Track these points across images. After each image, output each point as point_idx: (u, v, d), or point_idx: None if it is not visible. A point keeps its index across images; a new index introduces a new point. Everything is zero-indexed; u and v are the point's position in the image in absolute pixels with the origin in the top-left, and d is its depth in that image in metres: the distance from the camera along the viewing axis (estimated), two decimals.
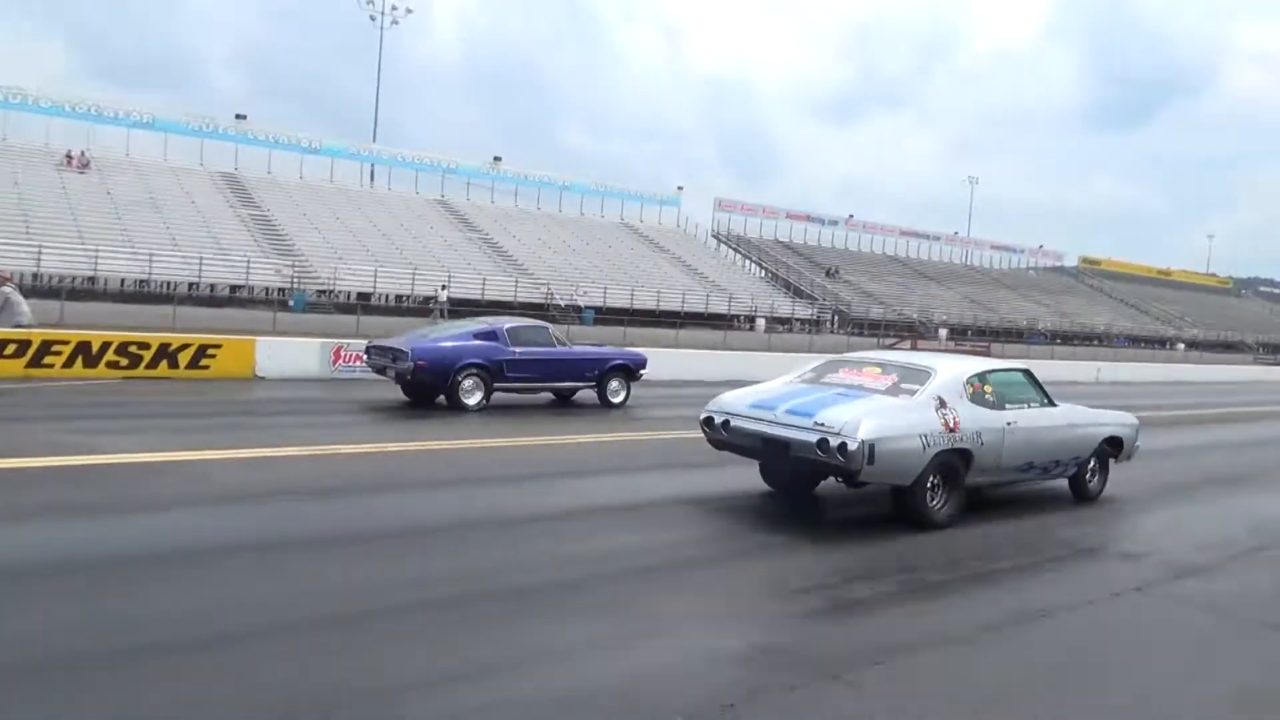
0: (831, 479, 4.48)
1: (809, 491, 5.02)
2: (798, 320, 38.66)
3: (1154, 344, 51.01)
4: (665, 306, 31.97)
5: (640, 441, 7.63)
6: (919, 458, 3.89)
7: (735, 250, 51.96)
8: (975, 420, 4.20)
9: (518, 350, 8.56)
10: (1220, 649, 3.89)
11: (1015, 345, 41.47)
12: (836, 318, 41.32)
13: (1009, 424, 4.47)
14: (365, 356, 9.18)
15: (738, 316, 35.41)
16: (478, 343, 8.37)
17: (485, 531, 4.52)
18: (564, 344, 9.10)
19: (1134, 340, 51.26)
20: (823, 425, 3.88)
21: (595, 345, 10.75)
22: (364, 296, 24.75)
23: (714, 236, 51.09)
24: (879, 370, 4.59)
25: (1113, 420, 5.78)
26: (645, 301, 31.63)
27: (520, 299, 28.04)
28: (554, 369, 8.86)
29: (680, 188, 53.96)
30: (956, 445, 4.01)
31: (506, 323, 8.87)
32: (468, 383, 8.19)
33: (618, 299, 30.77)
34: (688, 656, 3.13)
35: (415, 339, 8.61)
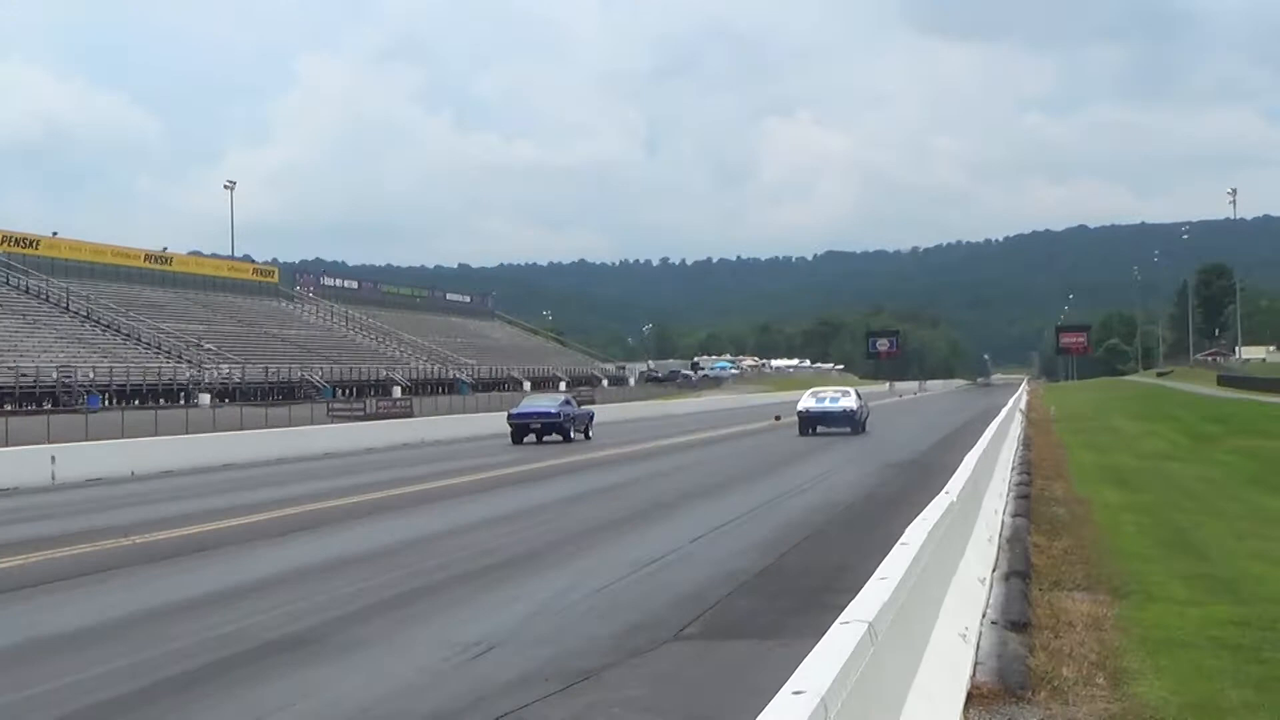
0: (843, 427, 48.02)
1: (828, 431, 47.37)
2: None
3: None
4: None
5: None
6: (864, 414, 49.59)
7: None
8: (862, 404, 50.14)
9: (574, 411, 49.74)
10: None
11: None
12: None
13: (861, 404, 49.91)
14: (508, 417, 48.46)
15: None
16: (568, 407, 49.41)
17: None
18: (576, 406, 51.90)
19: None
20: (844, 406, 48.50)
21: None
22: None
23: None
24: (835, 389, 53.67)
25: (865, 400, 53.60)
26: None
27: None
28: (580, 419, 49.74)
29: None
30: (863, 409, 49.80)
31: (567, 396, 58.36)
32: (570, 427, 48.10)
33: None
34: None
35: (548, 405, 49.59)
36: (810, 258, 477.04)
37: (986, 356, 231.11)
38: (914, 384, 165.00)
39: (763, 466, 33.23)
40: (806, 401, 48.39)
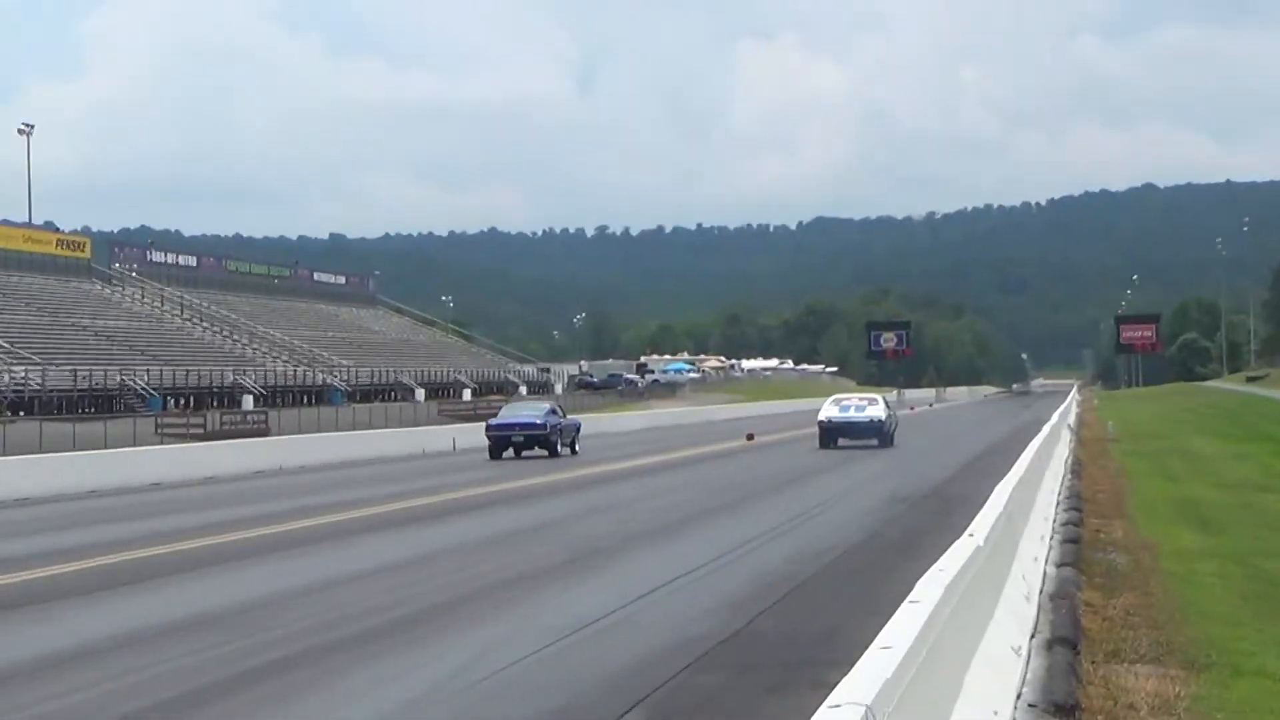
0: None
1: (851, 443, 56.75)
2: None
3: None
4: None
5: None
6: (892, 424, 60.96)
7: None
8: (891, 413, 62.27)
9: (560, 421, 60.33)
10: None
11: None
12: None
13: (890, 414, 61.93)
14: (487, 428, 58.99)
15: None
16: (553, 417, 59.61)
17: None
18: (563, 415, 62.56)
19: None
20: (870, 415, 59.29)
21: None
22: None
23: None
24: (859, 397, 67.79)
25: (894, 409, 70.20)
26: None
27: None
28: (567, 431, 59.54)
29: None
30: (891, 419, 62.04)
31: (553, 404, 70.43)
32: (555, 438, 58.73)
33: None
34: None
35: (532, 415, 60.50)
36: (794, 226, 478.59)
37: (1025, 356, 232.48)
38: (930, 392, 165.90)
39: (733, 499, 33.53)
40: (829, 410, 57.13)
